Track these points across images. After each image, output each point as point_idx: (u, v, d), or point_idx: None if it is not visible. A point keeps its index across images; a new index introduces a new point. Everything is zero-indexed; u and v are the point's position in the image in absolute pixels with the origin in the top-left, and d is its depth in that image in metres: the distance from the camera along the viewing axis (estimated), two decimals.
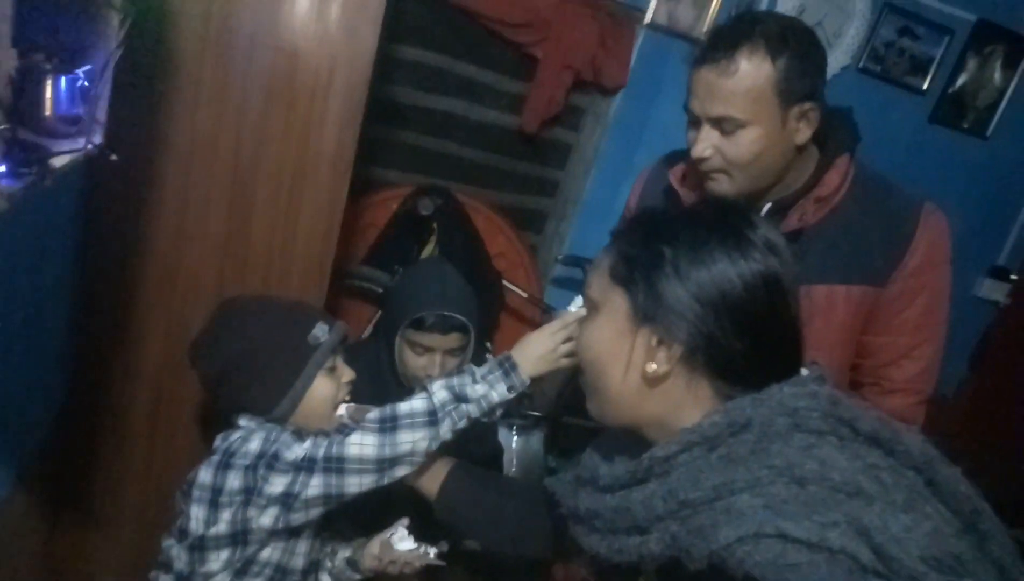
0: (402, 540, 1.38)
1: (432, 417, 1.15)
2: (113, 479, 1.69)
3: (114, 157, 0.86)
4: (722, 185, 1.25)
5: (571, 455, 1.62)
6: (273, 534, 1.20)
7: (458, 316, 1.67)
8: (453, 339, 1.68)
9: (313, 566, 1.35)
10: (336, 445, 1.14)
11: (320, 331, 1.26)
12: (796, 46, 1.17)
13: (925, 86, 3.18)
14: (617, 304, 0.86)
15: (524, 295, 2.93)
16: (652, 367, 0.82)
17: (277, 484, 1.14)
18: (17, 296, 1.20)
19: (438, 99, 2.95)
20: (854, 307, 1.25)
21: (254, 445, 1.17)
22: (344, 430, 1.17)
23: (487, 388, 1.17)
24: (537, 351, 1.20)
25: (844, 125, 1.28)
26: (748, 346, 0.80)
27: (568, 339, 1.20)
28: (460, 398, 1.16)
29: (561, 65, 2.82)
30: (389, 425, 1.14)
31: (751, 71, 1.15)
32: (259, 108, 1.52)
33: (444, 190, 2.77)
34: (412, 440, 1.13)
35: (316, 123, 1.56)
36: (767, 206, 1.28)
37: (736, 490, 0.71)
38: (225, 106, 1.51)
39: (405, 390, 1.74)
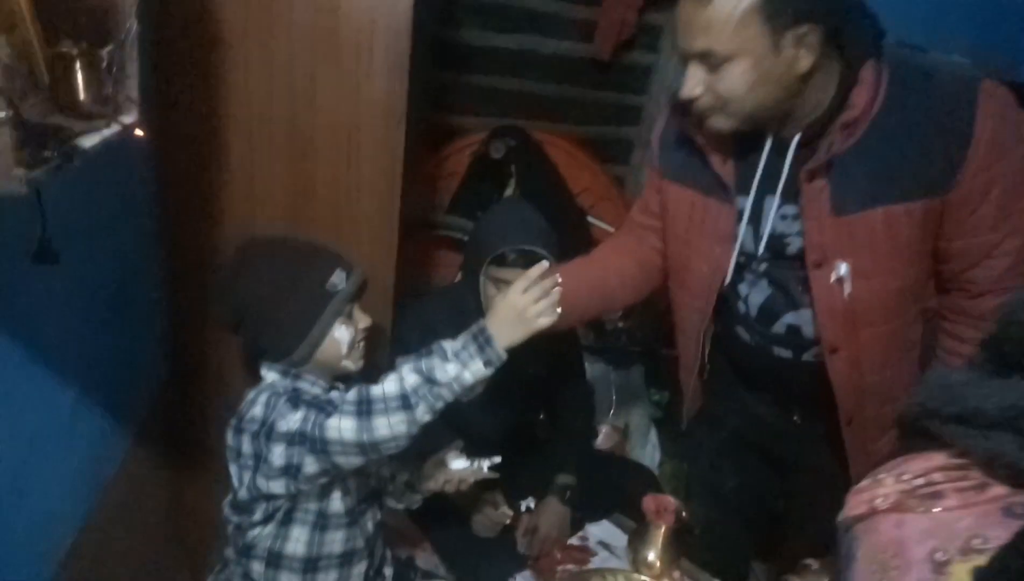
0: (455, 459, 1.43)
1: (405, 402, 1.11)
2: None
3: (140, 133, 0.90)
4: (720, 123, 1.13)
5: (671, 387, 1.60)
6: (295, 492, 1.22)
7: (540, 250, 1.67)
8: None
9: (365, 503, 1.38)
10: (318, 428, 1.13)
11: (338, 278, 1.25)
12: None
13: None
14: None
15: (612, 230, 2.88)
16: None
17: (278, 456, 1.16)
18: (94, 267, 1.30)
19: (506, 37, 2.89)
20: (919, 222, 1.11)
21: (258, 410, 1.20)
22: (327, 408, 1.15)
23: (459, 368, 1.11)
24: (509, 317, 1.13)
25: (861, 25, 1.10)
26: None
27: (541, 297, 1.14)
28: (431, 381, 1.11)
29: None
30: (364, 409, 1.12)
31: None
32: (307, 70, 1.55)
33: (518, 130, 2.74)
34: (389, 424, 1.10)
35: (364, 76, 1.57)
36: (795, 139, 1.14)
37: None
38: (274, 73, 1.55)
39: None
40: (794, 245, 1.20)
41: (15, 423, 1.07)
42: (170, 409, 1.76)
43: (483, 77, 2.98)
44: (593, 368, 2.81)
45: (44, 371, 1.15)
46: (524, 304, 1.14)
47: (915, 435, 0.97)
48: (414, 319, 1.76)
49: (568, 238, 2.45)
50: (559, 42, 2.95)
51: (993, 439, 0.85)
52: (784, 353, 1.29)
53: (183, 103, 1.53)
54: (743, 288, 1.30)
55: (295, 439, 1.14)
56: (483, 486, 1.62)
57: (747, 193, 1.22)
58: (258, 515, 1.25)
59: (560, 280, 1.19)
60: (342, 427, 1.12)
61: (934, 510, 0.89)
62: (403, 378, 1.13)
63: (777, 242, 1.21)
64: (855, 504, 1.00)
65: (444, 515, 1.73)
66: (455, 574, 1.70)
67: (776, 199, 1.19)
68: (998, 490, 0.87)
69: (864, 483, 1.02)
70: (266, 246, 1.31)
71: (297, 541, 1.27)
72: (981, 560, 0.80)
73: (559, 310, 1.18)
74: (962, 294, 1.19)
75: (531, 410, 1.98)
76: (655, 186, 1.41)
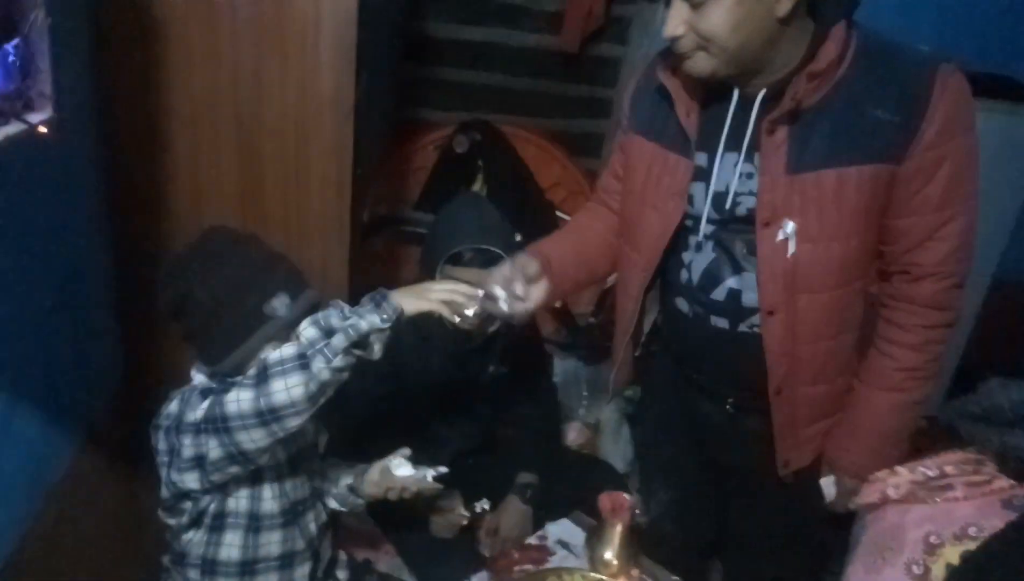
0: (400, 467, 1.40)
1: (302, 359, 1.09)
2: None
3: (44, 130, 0.86)
4: (699, 63, 1.14)
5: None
6: (218, 487, 1.20)
7: (495, 249, 1.64)
8: None
9: (303, 504, 1.36)
10: (218, 405, 1.11)
11: (280, 303, 1.21)
12: None
13: None
14: None
15: None
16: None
17: (187, 447, 1.14)
18: (24, 267, 1.26)
19: (473, 29, 2.87)
20: (868, 189, 1.13)
21: (172, 406, 1.18)
22: (226, 386, 1.13)
23: (356, 318, 1.11)
24: (412, 289, 1.19)
25: None
26: None
27: (452, 289, 1.21)
28: (327, 331, 1.10)
29: None
30: (262, 376, 1.10)
31: None
32: (252, 64, 1.52)
33: (483, 124, 2.71)
34: (286, 388, 1.08)
35: (311, 70, 1.54)
36: (761, 93, 1.16)
37: None
38: (218, 66, 1.51)
39: (448, 330, 1.73)
40: (745, 205, 1.21)
41: None
42: (125, 412, 1.72)
43: (451, 70, 2.96)
44: (564, 364, 2.79)
45: None
46: (432, 286, 1.19)
47: (949, 439, 1.02)
48: None
49: (536, 233, 2.42)
50: (526, 34, 2.92)
51: (1008, 435, 0.91)
52: (721, 323, 1.29)
53: (124, 97, 1.49)
54: (687, 255, 1.31)
55: (201, 427, 1.12)
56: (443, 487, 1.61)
57: (707, 150, 1.24)
58: (185, 517, 1.22)
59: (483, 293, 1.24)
60: (240, 398, 1.09)
61: (938, 500, 0.92)
62: (301, 334, 1.12)
63: (729, 201, 1.22)
64: (869, 492, 1.06)
65: (404, 516, 1.71)
66: (415, 575, 1.68)
67: (734, 155, 1.20)
68: (1003, 483, 0.91)
69: (881, 473, 1.08)
70: (220, 247, 1.26)
71: (231, 546, 1.25)
72: (972, 545, 0.84)
73: (468, 314, 1.22)
74: (903, 278, 1.20)
75: (493, 409, 1.96)
76: (621, 145, 1.43)
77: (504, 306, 1.26)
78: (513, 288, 1.26)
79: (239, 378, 1.17)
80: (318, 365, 1.09)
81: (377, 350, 1.15)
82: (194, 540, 1.25)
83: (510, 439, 1.97)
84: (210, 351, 1.23)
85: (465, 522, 1.65)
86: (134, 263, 1.63)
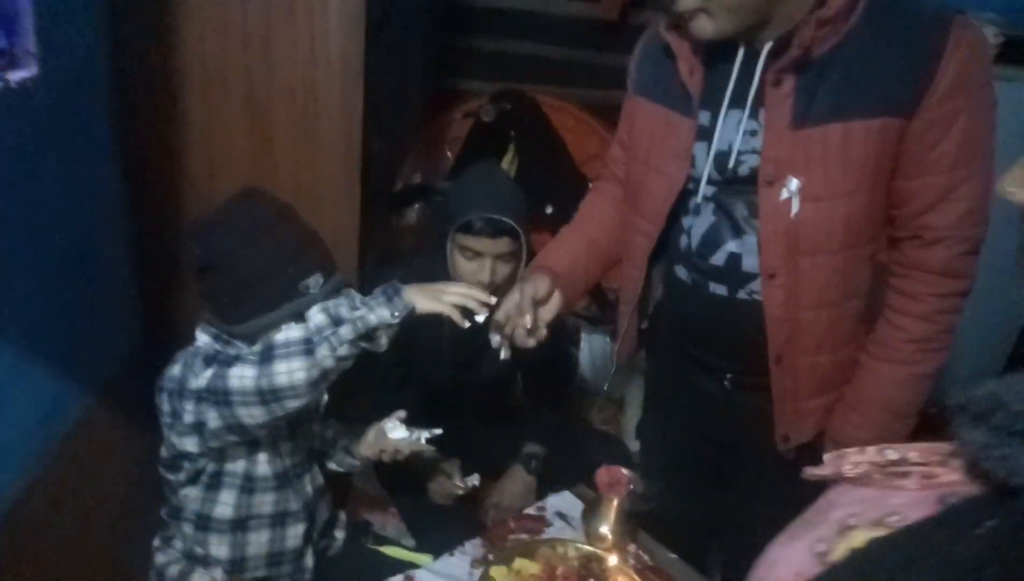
0: (394, 429, 1.42)
1: (308, 345, 1.10)
2: None
3: (12, 83, 0.89)
4: (704, 25, 1.11)
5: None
6: (216, 450, 1.23)
7: (507, 220, 1.63)
8: (503, 243, 1.65)
9: (300, 467, 1.38)
10: (221, 378, 1.13)
11: (314, 282, 1.22)
12: None
13: None
14: None
15: None
16: None
17: (188, 413, 1.16)
18: (30, 230, 1.31)
19: None
20: (875, 144, 1.08)
21: (176, 369, 1.20)
22: (232, 361, 1.15)
23: (365, 310, 1.11)
24: (426, 287, 1.18)
25: None
26: None
27: (464, 293, 1.19)
28: (336, 321, 1.11)
29: None
30: (266, 356, 1.11)
31: None
32: (262, 31, 1.54)
33: (516, 94, 2.68)
34: (288, 371, 1.09)
35: (320, 36, 1.54)
36: (768, 46, 1.12)
37: None
38: (229, 33, 1.54)
39: None
40: (748, 164, 1.17)
41: None
42: (141, 368, 1.78)
43: (490, 40, 2.93)
44: (592, 339, 2.76)
45: None
46: (448, 287, 1.18)
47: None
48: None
49: (568, 205, 2.39)
50: (567, 3, 2.87)
51: (970, 430, 0.85)
52: (719, 290, 1.26)
53: (137, 62, 1.53)
54: (687, 220, 1.28)
55: (203, 395, 1.14)
56: (443, 455, 1.61)
57: (710, 108, 1.20)
58: (183, 475, 1.26)
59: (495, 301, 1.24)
60: (243, 375, 1.11)
61: (887, 486, 0.88)
62: (310, 319, 1.13)
63: (732, 160, 1.18)
64: (826, 464, 1.01)
65: (408, 481, 1.73)
66: (415, 539, 1.70)
67: (739, 111, 1.16)
68: (951, 477, 0.86)
69: (849, 449, 1.03)
70: (266, 216, 1.26)
71: (225, 504, 1.28)
72: (884, 533, 0.81)
73: (478, 320, 1.22)
74: (915, 243, 1.14)
75: (507, 380, 1.96)
76: (626, 111, 1.40)
77: (505, 353, 1.27)
78: (523, 322, 1.24)
79: (244, 350, 1.21)
80: (322, 352, 1.10)
81: (384, 343, 1.16)
82: (190, 496, 1.29)
83: (522, 410, 1.97)
84: (231, 312, 1.24)
85: (460, 491, 1.66)
86: (152, 224, 1.68)
